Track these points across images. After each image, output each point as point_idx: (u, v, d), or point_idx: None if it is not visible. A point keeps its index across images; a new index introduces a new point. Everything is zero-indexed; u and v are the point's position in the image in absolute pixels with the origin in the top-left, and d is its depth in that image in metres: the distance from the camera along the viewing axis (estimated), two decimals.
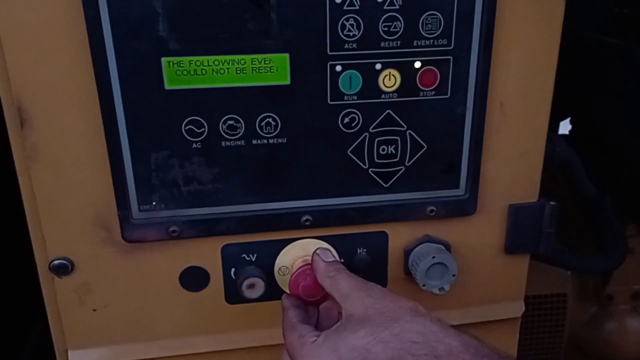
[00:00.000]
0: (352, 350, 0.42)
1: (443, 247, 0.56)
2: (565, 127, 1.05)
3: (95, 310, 0.54)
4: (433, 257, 0.54)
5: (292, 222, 0.54)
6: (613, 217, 0.76)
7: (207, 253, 0.54)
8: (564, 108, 0.95)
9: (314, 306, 0.52)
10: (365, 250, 0.57)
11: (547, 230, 0.59)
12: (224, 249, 0.54)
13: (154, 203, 0.51)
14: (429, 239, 0.57)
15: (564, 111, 0.99)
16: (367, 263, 0.57)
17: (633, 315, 1.02)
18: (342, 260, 0.57)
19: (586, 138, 0.94)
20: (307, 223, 0.54)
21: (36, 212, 0.50)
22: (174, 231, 0.52)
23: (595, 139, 0.92)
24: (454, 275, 0.55)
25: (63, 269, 0.52)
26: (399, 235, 0.57)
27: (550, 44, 0.52)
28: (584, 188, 0.73)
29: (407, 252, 0.57)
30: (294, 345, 0.45)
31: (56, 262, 0.52)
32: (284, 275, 0.56)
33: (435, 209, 0.55)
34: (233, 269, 0.55)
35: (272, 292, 0.55)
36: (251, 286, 0.53)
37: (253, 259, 0.55)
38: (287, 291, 0.53)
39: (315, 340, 0.44)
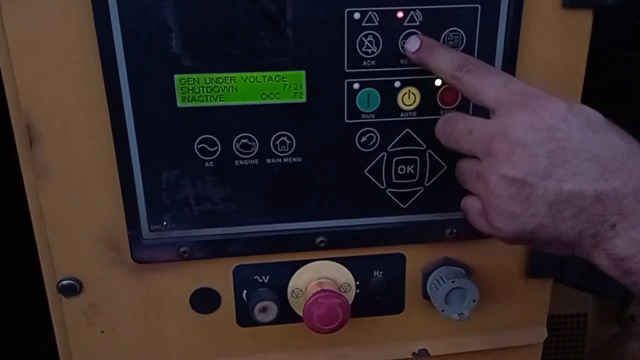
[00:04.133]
0: (581, 113, 0.39)
1: (463, 271, 0.54)
2: None
3: (103, 332, 0.53)
4: (453, 282, 0.52)
5: (307, 244, 0.52)
6: None
7: (219, 274, 0.52)
8: None
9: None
10: (381, 272, 0.55)
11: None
12: (236, 270, 0.53)
13: (164, 223, 0.49)
14: (448, 262, 0.55)
15: None
16: (384, 286, 0.55)
17: None
18: (357, 282, 0.55)
19: None
20: (322, 244, 0.52)
21: (44, 232, 0.49)
22: (184, 252, 0.50)
23: None
24: (474, 301, 0.53)
25: (71, 290, 0.51)
26: (416, 258, 0.55)
27: (577, 64, 0.50)
28: None
29: (425, 275, 0.55)
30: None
31: (64, 282, 0.50)
32: (297, 297, 0.54)
33: (454, 230, 0.53)
34: (245, 291, 0.53)
35: (285, 315, 0.53)
36: (263, 310, 0.51)
37: (266, 281, 0.53)
38: (300, 314, 0.52)
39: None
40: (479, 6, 0.46)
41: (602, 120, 0.39)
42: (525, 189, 0.38)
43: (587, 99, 0.55)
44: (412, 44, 0.46)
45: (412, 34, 0.46)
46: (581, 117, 0.39)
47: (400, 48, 0.47)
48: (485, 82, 0.41)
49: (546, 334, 0.61)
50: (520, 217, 0.39)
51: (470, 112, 0.49)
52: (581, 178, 0.37)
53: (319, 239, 0.52)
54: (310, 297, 0.50)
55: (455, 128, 0.43)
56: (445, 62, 0.43)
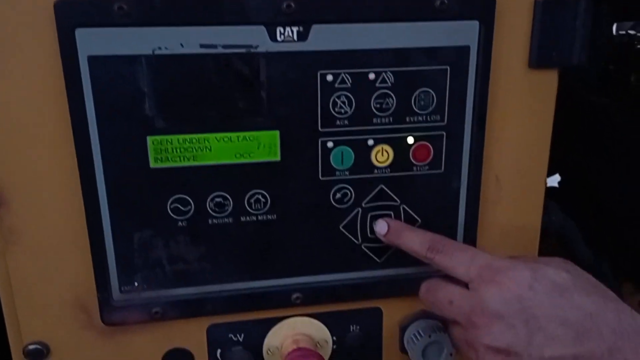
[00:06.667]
0: (545, 278, 0.42)
1: (439, 323, 0.54)
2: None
3: None
4: (429, 336, 0.52)
5: (282, 301, 0.51)
6: (611, 282, 0.74)
7: (192, 334, 0.51)
8: (553, 164, 0.94)
9: None
10: (358, 327, 0.54)
11: None
12: (210, 329, 0.52)
13: (135, 284, 0.48)
14: (424, 315, 0.55)
15: (552, 167, 0.98)
16: (361, 340, 0.55)
17: None
18: (334, 338, 0.54)
19: (577, 193, 0.93)
20: (298, 301, 0.51)
21: (11, 296, 0.47)
22: (156, 312, 0.49)
23: (586, 195, 0.91)
24: (451, 354, 0.53)
25: (38, 355, 0.49)
26: (393, 312, 0.55)
27: (544, 120, 0.51)
28: (581, 254, 0.72)
29: (402, 329, 0.55)
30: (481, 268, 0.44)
31: (31, 347, 0.49)
32: (272, 355, 0.53)
33: None
34: (219, 350, 0.52)
35: None
36: None
37: (240, 340, 0.52)
38: None
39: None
40: (448, 67, 0.47)
41: (567, 280, 0.42)
42: (512, 357, 0.42)
43: (554, 140, 0.56)
44: (381, 227, 0.50)
45: (385, 95, 0.47)
46: (546, 283, 0.42)
47: (373, 108, 0.47)
48: (455, 261, 0.46)
49: None
50: None
51: (443, 169, 0.50)
52: (557, 343, 0.41)
53: (294, 296, 0.51)
54: (286, 357, 0.49)
55: (436, 298, 0.47)
56: (416, 244, 0.48)
